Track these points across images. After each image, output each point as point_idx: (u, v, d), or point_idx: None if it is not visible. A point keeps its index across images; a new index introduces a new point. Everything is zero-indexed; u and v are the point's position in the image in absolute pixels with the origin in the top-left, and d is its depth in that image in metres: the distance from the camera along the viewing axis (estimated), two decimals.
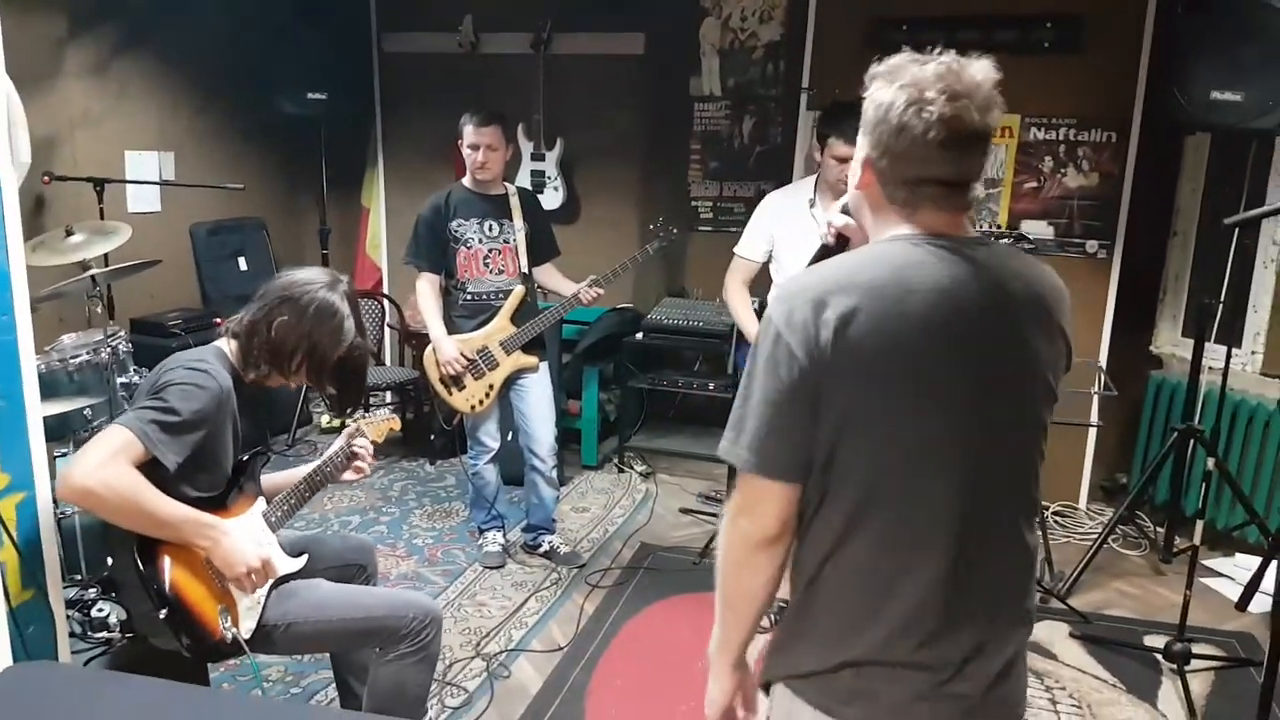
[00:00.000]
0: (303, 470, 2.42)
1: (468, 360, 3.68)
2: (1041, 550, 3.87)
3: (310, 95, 5.07)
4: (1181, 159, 4.46)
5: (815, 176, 3.36)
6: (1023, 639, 1.43)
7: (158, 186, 4.83)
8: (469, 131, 3.66)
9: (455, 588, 3.71)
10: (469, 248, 3.72)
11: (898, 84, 1.29)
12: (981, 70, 1.29)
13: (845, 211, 1.53)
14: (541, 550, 3.97)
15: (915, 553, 1.31)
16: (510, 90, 5.25)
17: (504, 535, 4.01)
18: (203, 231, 5.12)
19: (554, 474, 3.93)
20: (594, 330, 4.97)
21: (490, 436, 3.85)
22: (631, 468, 5.05)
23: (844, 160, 3.01)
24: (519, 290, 3.75)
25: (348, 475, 2.44)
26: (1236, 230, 3.27)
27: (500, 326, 3.73)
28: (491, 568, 3.88)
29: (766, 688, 1.51)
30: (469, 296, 3.75)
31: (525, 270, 3.80)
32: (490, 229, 3.75)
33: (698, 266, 5.40)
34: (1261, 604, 3.55)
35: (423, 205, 3.78)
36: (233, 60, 5.15)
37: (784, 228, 3.33)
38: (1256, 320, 4.16)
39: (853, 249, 1.48)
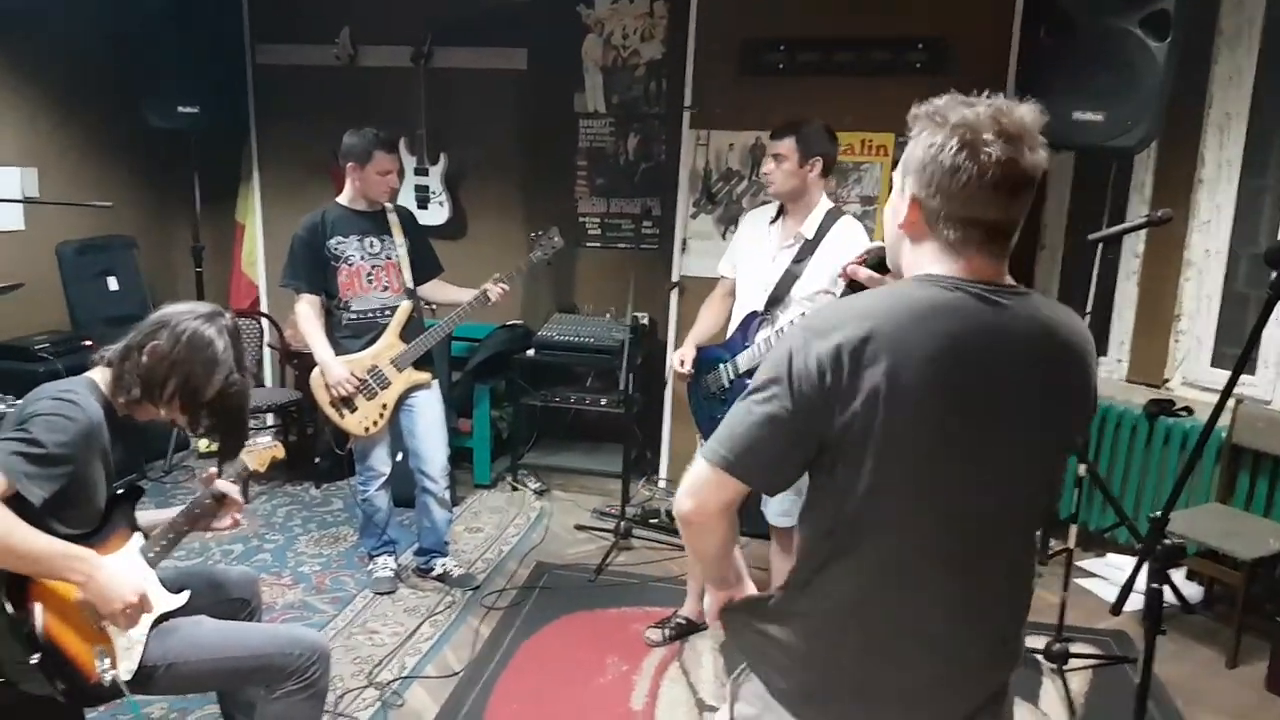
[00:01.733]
0: (178, 509, 2.31)
1: (358, 380, 3.58)
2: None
3: (181, 109, 4.85)
4: (1047, 176, 4.68)
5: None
6: (1004, 679, 1.48)
7: (20, 204, 4.54)
8: (382, 158, 3.56)
9: (345, 615, 3.59)
10: (350, 265, 3.62)
11: (950, 124, 1.30)
12: (1030, 113, 1.31)
13: (874, 266, 1.58)
14: (435, 574, 3.89)
15: (902, 588, 1.35)
16: (391, 104, 5.16)
17: (395, 560, 3.91)
18: (70, 251, 4.84)
19: (446, 495, 3.85)
20: (484, 347, 4.91)
21: (381, 461, 3.75)
22: (525, 485, 4.99)
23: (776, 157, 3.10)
24: (406, 305, 3.67)
25: (223, 522, 2.33)
26: (1100, 245, 3.45)
27: (389, 344, 3.64)
28: (383, 593, 3.77)
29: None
30: (354, 315, 3.64)
31: (410, 285, 3.72)
32: (371, 245, 3.65)
33: (587, 282, 5.40)
34: (1134, 604, 3.73)
35: (297, 226, 3.65)
36: (98, 71, 4.91)
37: (745, 241, 3.36)
38: (1121, 329, 4.41)
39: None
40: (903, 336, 1.26)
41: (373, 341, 3.63)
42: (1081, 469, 3.31)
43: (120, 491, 2.19)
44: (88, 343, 4.33)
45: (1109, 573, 4.09)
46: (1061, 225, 4.65)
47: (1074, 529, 3.27)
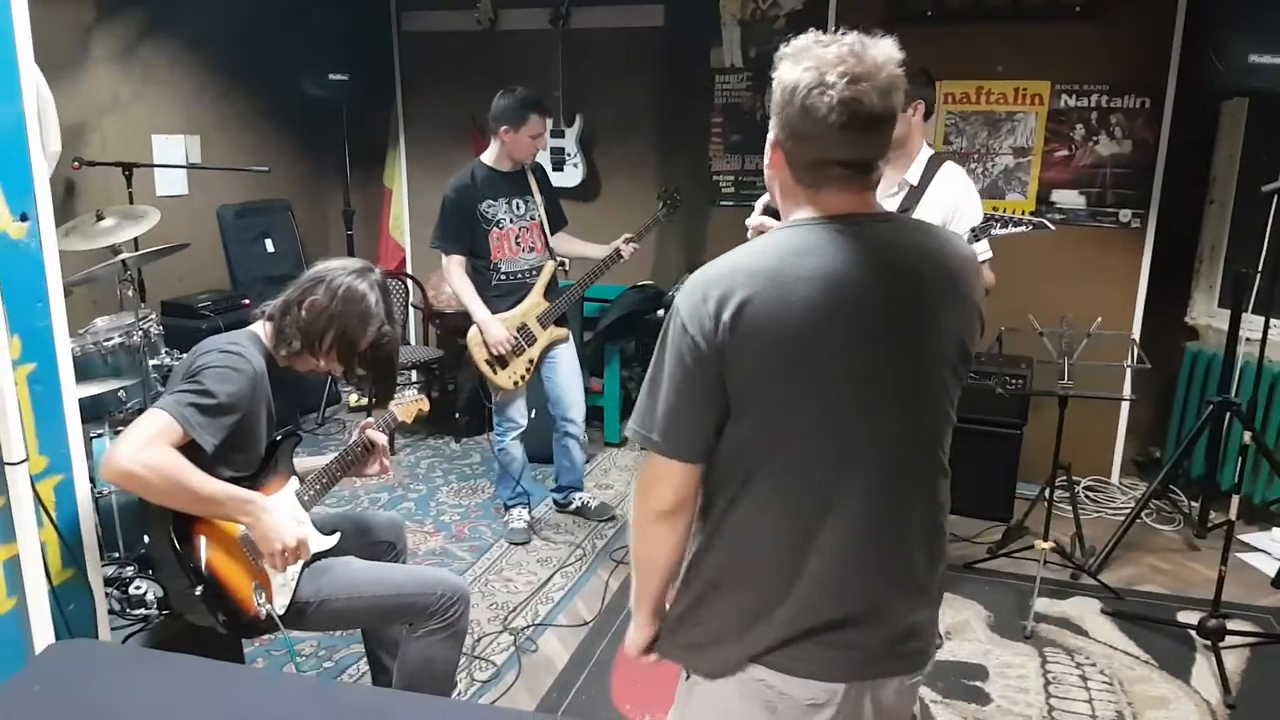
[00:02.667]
0: (333, 455, 2.45)
1: (513, 339, 3.73)
2: (1072, 526, 3.85)
3: (332, 76, 5.08)
4: (1218, 125, 4.36)
5: None
6: (925, 614, 1.47)
7: (185, 170, 4.86)
8: (535, 121, 3.66)
9: (482, 563, 3.74)
10: (500, 228, 3.73)
11: (801, 66, 1.28)
12: (883, 52, 1.29)
13: (766, 212, 1.60)
14: (572, 507, 4.10)
15: (811, 520, 1.36)
16: (529, 66, 5.23)
17: (529, 512, 4.04)
18: (230, 214, 5.16)
19: (585, 437, 4.05)
20: (615, 308, 4.96)
21: (520, 414, 3.90)
22: None
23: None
24: (551, 265, 3.83)
25: (372, 468, 2.46)
26: (1275, 198, 3.18)
27: (535, 302, 3.80)
28: (518, 543, 3.91)
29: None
30: (503, 276, 3.77)
31: (551, 245, 3.84)
32: (517, 207, 3.77)
33: (718, 241, 5.35)
34: None
35: (446, 188, 3.75)
36: (255, 43, 5.15)
37: None
38: None
39: None
40: (781, 284, 1.29)
41: (519, 300, 3.77)
42: (1246, 437, 3.11)
43: (279, 438, 2.32)
44: (246, 301, 4.62)
45: (1273, 548, 3.83)
46: (1233, 178, 4.32)
47: (1236, 500, 3.07)
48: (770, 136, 1.38)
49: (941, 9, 4.43)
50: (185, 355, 2.24)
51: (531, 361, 3.80)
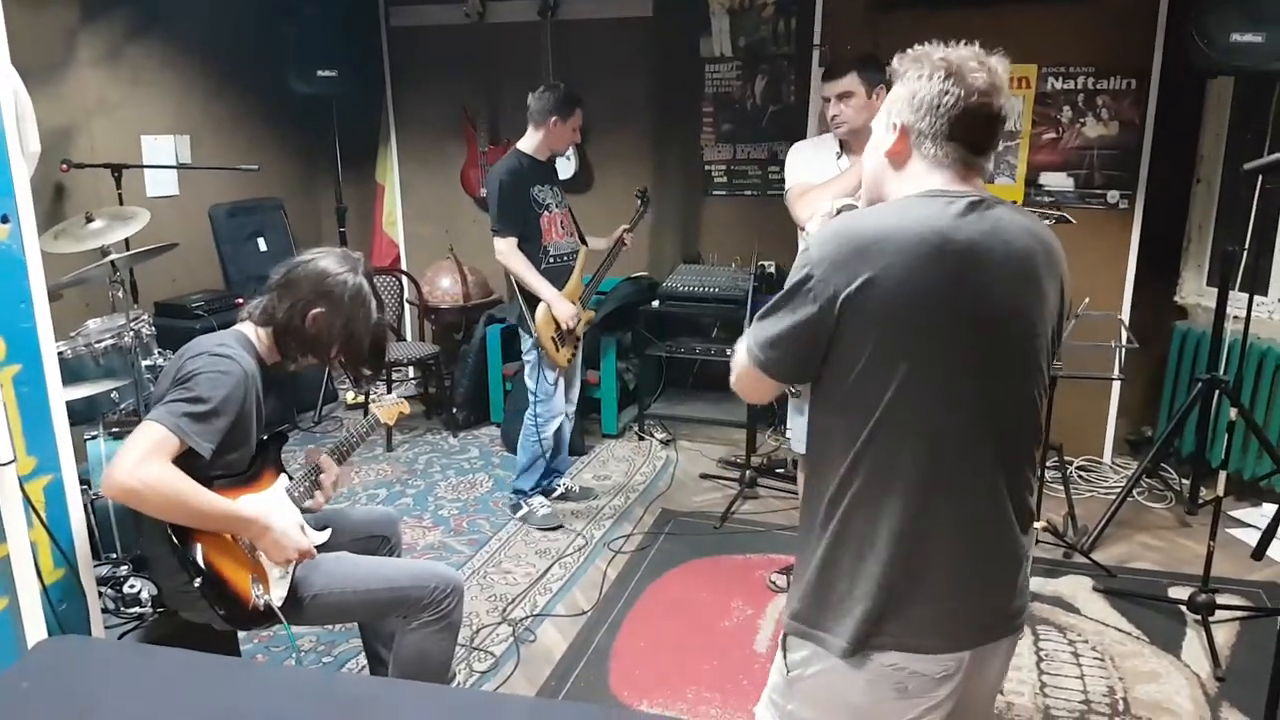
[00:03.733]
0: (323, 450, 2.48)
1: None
2: (1065, 506, 3.88)
3: (321, 73, 5.08)
4: (1204, 105, 4.37)
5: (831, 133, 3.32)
6: (1023, 577, 1.54)
7: (175, 170, 4.87)
8: (580, 114, 3.83)
9: (480, 556, 3.76)
10: (549, 212, 3.86)
11: (933, 59, 1.45)
12: (1001, 63, 1.47)
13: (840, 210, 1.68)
14: (556, 494, 4.20)
15: (932, 492, 1.42)
16: (518, 59, 5.24)
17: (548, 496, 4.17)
18: (221, 213, 5.17)
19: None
20: (610, 300, 4.98)
21: (562, 398, 4.05)
22: (651, 435, 5.07)
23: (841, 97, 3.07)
24: (584, 249, 4.01)
25: (310, 502, 2.41)
26: (1260, 176, 3.20)
27: (577, 285, 3.95)
28: (551, 529, 3.98)
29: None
30: (552, 259, 3.88)
31: (578, 229, 4.05)
32: (556, 194, 3.93)
33: (712, 232, 5.38)
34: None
35: (496, 174, 3.76)
36: (244, 41, 5.17)
37: (815, 176, 3.30)
38: None
39: None
40: (918, 254, 1.37)
41: (565, 283, 3.89)
42: (1233, 413, 3.13)
43: (266, 437, 2.34)
44: (240, 301, 4.61)
45: (1263, 523, 3.83)
46: (1219, 157, 4.34)
47: (1223, 476, 3.10)
48: (895, 125, 1.49)
49: None
50: (171, 357, 2.25)
51: (578, 340, 3.97)
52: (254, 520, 2.12)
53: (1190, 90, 4.33)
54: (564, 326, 3.83)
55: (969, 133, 1.45)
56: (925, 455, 1.41)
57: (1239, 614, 3.20)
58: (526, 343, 3.92)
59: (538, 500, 4.06)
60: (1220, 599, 3.14)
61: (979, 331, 1.41)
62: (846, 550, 1.46)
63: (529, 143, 3.84)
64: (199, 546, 2.10)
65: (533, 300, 3.80)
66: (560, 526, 3.99)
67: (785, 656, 1.57)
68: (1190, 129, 4.41)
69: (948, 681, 1.46)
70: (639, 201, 4.31)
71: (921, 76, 1.46)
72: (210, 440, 2.05)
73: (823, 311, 1.39)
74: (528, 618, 3.29)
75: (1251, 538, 3.79)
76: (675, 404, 5.31)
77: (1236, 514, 3.97)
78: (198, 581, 2.07)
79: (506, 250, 3.75)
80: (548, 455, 4.02)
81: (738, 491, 4.20)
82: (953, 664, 1.46)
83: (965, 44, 1.47)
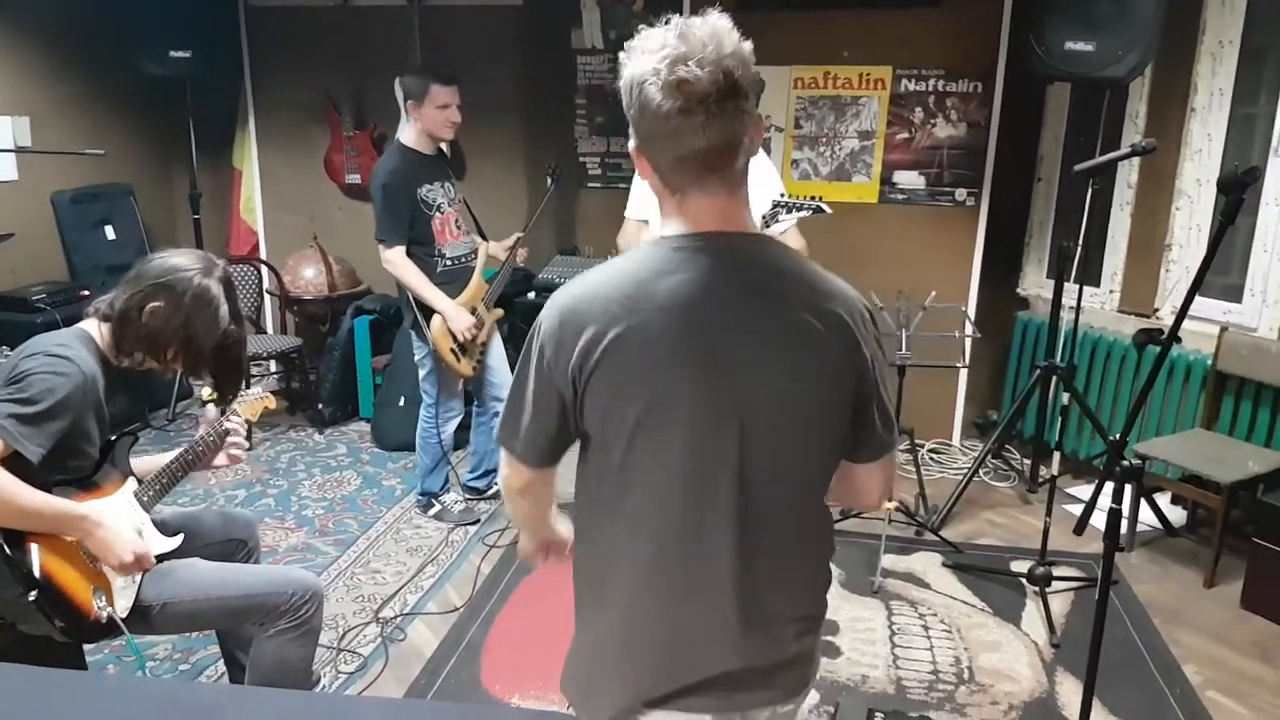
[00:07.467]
0: (175, 452, 2.38)
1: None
2: (916, 486, 4.08)
3: (173, 53, 4.84)
4: (1044, 108, 4.65)
5: None
6: (794, 647, 1.43)
7: (13, 154, 4.57)
8: (439, 91, 3.53)
9: (348, 557, 3.69)
10: (441, 213, 3.66)
11: (634, 61, 1.24)
12: (709, 26, 1.21)
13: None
14: (492, 491, 4.10)
15: (668, 561, 1.37)
16: (386, 45, 5.13)
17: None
18: (65, 200, 4.88)
19: None
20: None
21: (460, 400, 3.90)
22: None
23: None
24: (484, 246, 3.83)
25: (220, 460, 2.40)
26: (1091, 176, 3.44)
27: (479, 285, 3.77)
28: (471, 523, 3.92)
29: None
30: (449, 262, 3.70)
31: (476, 225, 3.86)
32: (448, 190, 3.72)
33: (588, 224, 5.40)
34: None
35: (383, 176, 3.55)
36: (90, 19, 4.88)
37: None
38: (1114, 260, 4.40)
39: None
40: (634, 310, 1.25)
41: (465, 286, 3.72)
42: (1066, 398, 3.36)
43: (113, 438, 2.25)
44: (86, 292, 4.40)
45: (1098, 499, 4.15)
46: (1057, 157, 4.63)
47: (1057, 456, 3.33)
48: (630, 144, 1.31)
49: None
50: (10, 354, 2.13)
51: (483, 345, 3.78)
52: (84, 517, 2.03)
53: (1031, 94, 4.59)
54: (460, 339, 3.65)
55: (685, 141, 1.24)
56: (655, 516, 1.36)
57: (1072, 584, 3.45)
58: (421, 350, 3.77)
59: (449, 497, 4.00)
60: (1056, 571, 3.38)
61: (690, 400, 1.27)
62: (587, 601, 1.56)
63: (408, 134, 3.64)
64: (35, 553, 2.01)
65: (428, 310, 3.61)
66: (478, 521, 3.94)
67: None
68: (1032, 131, 4.68)
69: None
70: (549, 180, 4.24)
71: (628, 84, 1.27)
72: (40, 444, 1.95)
73: (556, 380, 1.32)
74: (397, 616, 3.26)
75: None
76: None
77: (1073, 490, 4.26)
78: (33, 595, 1.97)
79: (395, 260, 3.55)
80: (448, 453, 3.92)
81: None
82: None
83: (668, 19, 1.25)
